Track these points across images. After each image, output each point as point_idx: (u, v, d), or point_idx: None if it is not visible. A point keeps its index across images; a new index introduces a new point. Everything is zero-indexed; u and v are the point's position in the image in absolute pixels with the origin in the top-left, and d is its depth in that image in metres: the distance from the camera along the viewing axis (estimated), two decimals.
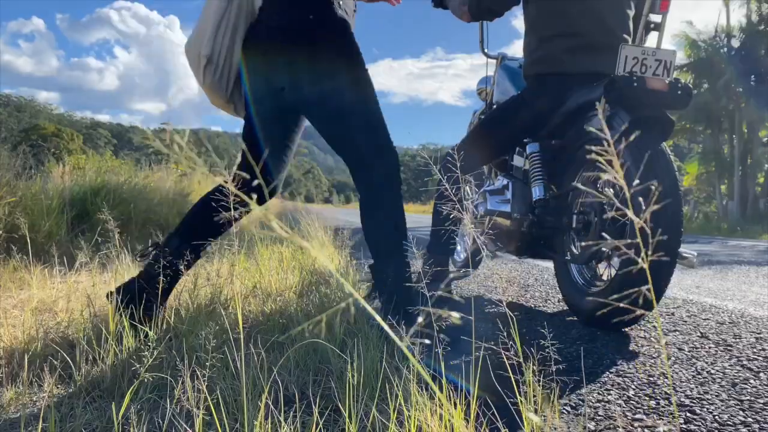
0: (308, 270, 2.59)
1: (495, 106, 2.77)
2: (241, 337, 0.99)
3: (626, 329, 1.98)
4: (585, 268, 2.24)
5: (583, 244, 2.10)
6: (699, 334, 1.95)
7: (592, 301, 1.97)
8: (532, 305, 2.50)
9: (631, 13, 2.34)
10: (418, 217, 17.91)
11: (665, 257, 1.76)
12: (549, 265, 3.91)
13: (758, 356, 1.67)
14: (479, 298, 2.64)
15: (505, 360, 1.01)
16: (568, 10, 2.25)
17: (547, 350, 1.06)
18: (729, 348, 1.76)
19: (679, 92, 1.89)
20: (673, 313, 2.30)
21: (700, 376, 1.47)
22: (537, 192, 2.28)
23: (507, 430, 1.03)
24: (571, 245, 2.21)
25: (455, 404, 0.93)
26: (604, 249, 2.00)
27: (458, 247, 3.30)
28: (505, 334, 1.10)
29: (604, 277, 2.18)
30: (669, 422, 1.17)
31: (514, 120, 2.38)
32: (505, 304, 1.08)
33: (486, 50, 3.00)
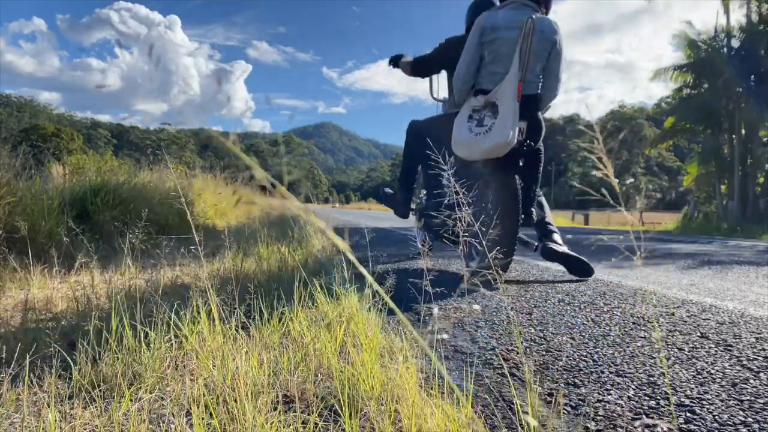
0: (308, 270, 2.59)
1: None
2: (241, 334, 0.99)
3: (627, 329, 1.98)
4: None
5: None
6: (699, 334, 1.95)
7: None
8: (532, 304, 2.50)
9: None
10: None
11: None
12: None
13: (758, 356, 1.67)
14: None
15: (503, 360, 1.01)
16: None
17: (547, 350, 1.06)
18: (729, 348, 1.76)
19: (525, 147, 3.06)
20: (673, 313, 2.30)
21: (700, 376, 1.47)
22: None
23: (507, 430, 1.03)
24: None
25: (457, 402, 0.93)
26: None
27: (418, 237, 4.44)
28: (504, 334, 1.10)
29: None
30: (669, 422, 1.17)
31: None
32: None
33: (434, 96, 4.08)
